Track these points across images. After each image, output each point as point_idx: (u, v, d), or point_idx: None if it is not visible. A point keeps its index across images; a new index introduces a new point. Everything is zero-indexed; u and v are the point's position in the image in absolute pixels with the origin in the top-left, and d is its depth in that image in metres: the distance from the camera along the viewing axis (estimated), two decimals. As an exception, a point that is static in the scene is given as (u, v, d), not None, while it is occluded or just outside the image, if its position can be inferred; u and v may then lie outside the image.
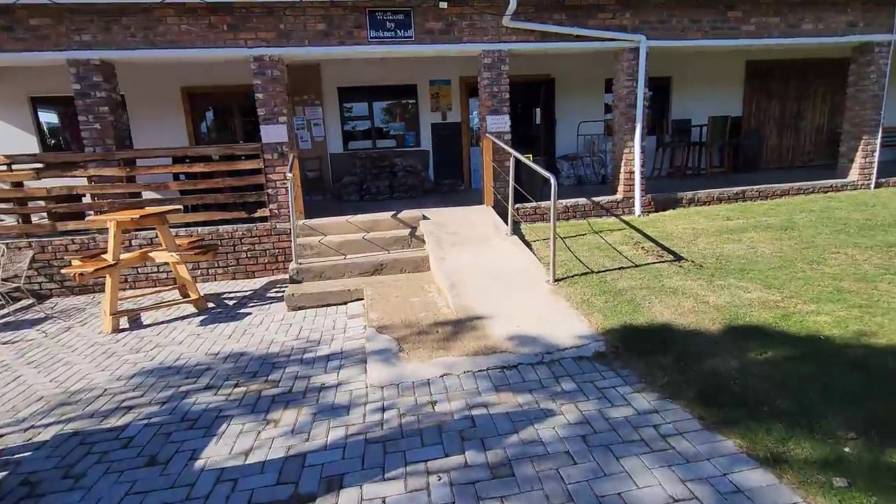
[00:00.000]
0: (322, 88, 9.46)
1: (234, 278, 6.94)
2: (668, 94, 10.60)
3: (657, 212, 7.83)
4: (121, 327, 5.32)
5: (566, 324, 4.23)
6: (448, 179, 9.88)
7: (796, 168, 10.99)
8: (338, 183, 9.22)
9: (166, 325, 5.35)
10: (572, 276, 5.20)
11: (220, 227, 6.84)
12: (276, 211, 6.89)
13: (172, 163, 7.08)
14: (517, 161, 6.41)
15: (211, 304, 5.92)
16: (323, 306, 5.53)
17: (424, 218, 6.89)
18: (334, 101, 9.57)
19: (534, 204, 7.28)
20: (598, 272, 5.29)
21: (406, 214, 6.95)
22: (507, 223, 6.62)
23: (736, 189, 8.30)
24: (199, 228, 6.84)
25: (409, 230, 6.65)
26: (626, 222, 7.29)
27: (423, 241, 6.42)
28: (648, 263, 5.50)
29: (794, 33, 7.75)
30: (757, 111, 10.94)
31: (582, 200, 7.75)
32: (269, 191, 6.83)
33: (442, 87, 9.81)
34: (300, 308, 5.51)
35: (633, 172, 7.66)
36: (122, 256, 5.58)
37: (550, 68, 9.97)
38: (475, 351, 3.92)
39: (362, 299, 5.44)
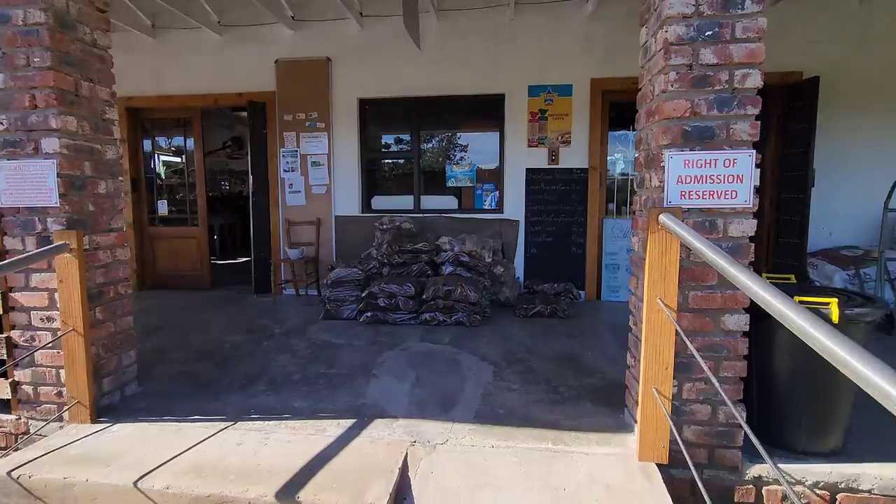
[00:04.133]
0: (331, 101, 5.26)
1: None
2: None
3: None
4: None
5: None
6: (551, 282, 4.82)
7: None
8: (326, 281, 4.75)
9: None
10: None
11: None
12: (33, 395, 2.55)
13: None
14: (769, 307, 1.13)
15: None
16: None
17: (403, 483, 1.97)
18: (351, 123, 5.28)
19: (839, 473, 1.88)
20: None
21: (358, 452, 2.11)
22: None
23: None
24: None
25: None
26: None
27: None
28: None
29: None
30: None
31: None
32: (19, 338, 2.53)
33: (554, 100, 4.92)
34: None
35: None
36: None
37: (810, 57, 4.48)
38: None
39: None
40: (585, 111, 4.87)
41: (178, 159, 6.12)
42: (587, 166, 4.92)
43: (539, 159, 5.01)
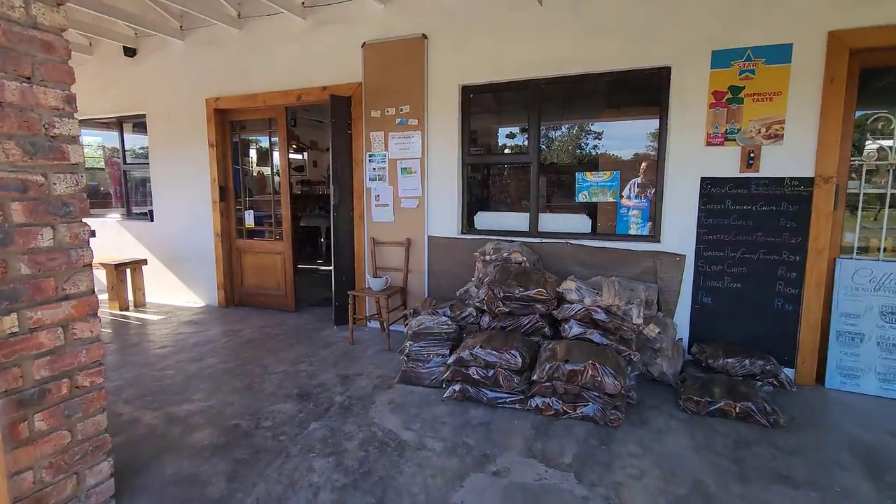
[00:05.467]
0: (426, 90, 4.11)
1: None
2: None
3: None
4: None
5: None
6: (739, 356, 3.10)
7: None
8: (407, 328, 3.66)
9: None
10: None
11: None
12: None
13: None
14: None
15: None
16: None
17: None
18: (450, 118, 4.07)
19: None
20: None
21: None
22: None
23: None
24: None
25: None
26: None
27: None
28: None
29: None
30: None
31: None
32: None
33: (757, 71, 3.13)
34: None
35: None
36: None
37: None
38: None
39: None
40: (815, 86, 3.01)
41: (266, 169, 5.55)
42: (812, 175, 3.06)
43: (724, 163, 3.28)
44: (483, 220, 4.25)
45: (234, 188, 5.27)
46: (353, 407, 2.98)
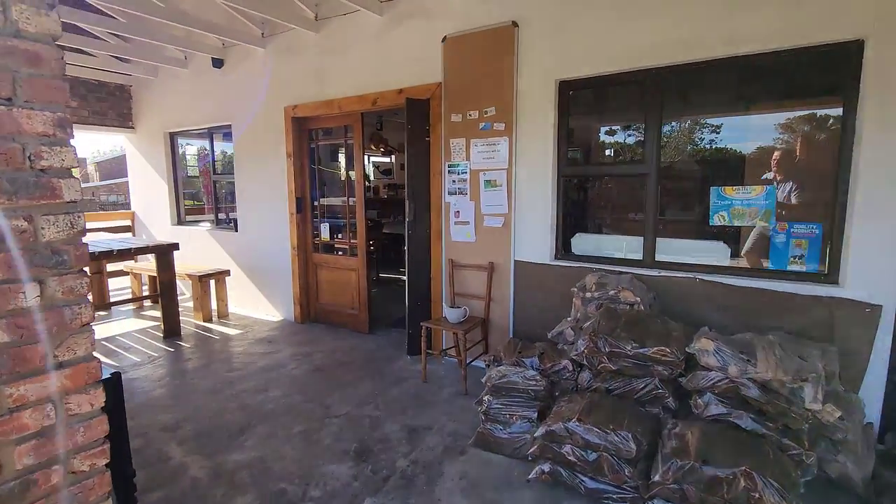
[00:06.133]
0: (515, 88, 3.45)
1: None
2: None
3: None
4: None
5: None
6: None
7: None
8: (485, 379, 3.05)
9: None
10: None
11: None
12: None
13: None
14: None
15: None
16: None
17: None
18: (544, 120, 3.38)
19: None
20: None
21: None
22: None
23: None
24: None
25: None
26: None
27: None
28: None
29: None
30: None
31: None
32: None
33: None
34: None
35: None
36: None
37: None
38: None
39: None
40: None
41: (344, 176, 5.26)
42: None
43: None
44: (582, 243, 3.51)
45: (311, 199, 5.03)
46: (416, 479, 2.45)
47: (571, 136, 3.44)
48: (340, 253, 4.99)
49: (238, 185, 5.52)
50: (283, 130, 4.90)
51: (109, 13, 5.05)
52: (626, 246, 3.29)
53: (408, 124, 3.83)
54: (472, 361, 3.65)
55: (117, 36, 5.93)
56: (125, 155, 7.04)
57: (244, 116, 5.29)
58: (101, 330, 4.97)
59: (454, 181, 3.81)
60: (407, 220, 3.92)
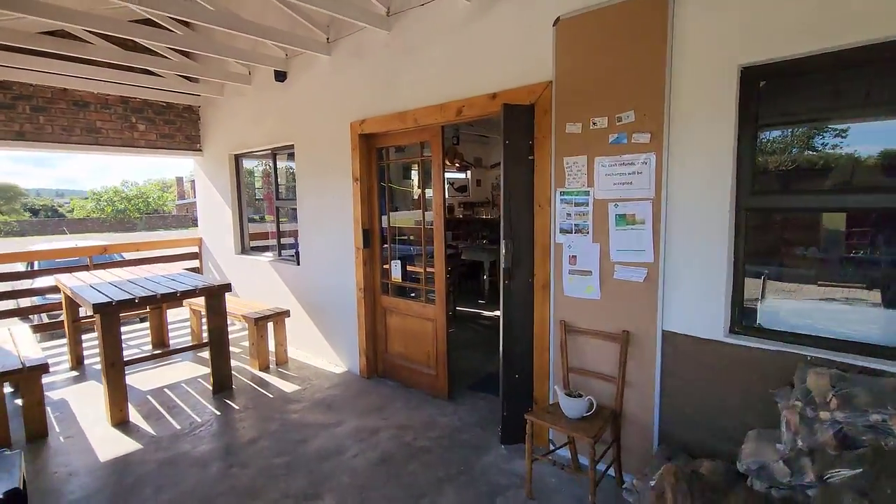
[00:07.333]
0: (666, 81, 2.36)
1: None
2: None
3: None
4: None
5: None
6: None
7: None
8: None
9: None
10: None
11: None
12: None
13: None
14: None
15: None
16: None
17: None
18: (715, 124, 2.25)
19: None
20: None
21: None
22: None
23: None
24: None
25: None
26: None
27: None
28: None
29: None
30: None
31: None
32: None
33: None
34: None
35: None
36: None
37: None
38: None
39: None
40: None
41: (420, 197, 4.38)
42: None
43: None
44: (778, 311, 2.32)
45: (380, 231, 4.21)
46: None
47: (762, 150, 2.28)
48: (413, 295, 4.11)
49: (300, 214, 4.85)
50: (349, 149, 4.14)
51: (170, 27, 4.62)
52: (856, 316, 2.06)
53: (505, 139, 2.86)
54: (602, 464, 2.55)
55: (183, 54, 5.58)
56: (194, 178, 6.73)
57: (306, 136, 4.62)
58: (154, 377, 4.45)
59: (569, 215, 2.77)
60: (504, 265, 2.93)
